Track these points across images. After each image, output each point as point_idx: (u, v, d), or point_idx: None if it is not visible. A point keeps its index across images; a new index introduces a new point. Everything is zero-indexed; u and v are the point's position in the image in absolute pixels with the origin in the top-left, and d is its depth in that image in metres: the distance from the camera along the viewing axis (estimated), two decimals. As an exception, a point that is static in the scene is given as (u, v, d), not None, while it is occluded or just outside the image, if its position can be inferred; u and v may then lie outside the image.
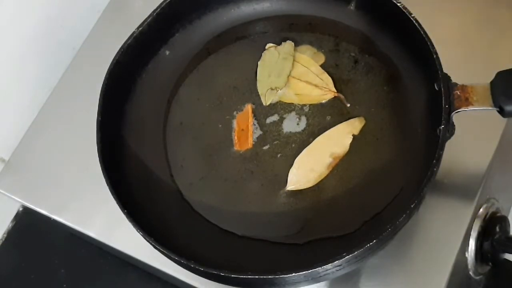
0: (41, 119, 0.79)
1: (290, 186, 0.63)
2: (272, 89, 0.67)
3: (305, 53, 0.69)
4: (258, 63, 0.69)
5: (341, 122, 0.65)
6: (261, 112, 0.68)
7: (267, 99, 0.67)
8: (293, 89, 0.68)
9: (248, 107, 0.68)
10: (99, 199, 0.66)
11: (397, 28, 0.64)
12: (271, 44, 0.69)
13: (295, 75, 0.68)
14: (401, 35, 0.64)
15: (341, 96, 0.66)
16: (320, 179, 0.63)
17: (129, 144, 0.67)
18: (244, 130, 0.67)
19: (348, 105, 0.66)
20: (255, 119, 0.67)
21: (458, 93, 0.57)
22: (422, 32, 0.59)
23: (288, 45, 0.69)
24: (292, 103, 0.67)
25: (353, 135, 0.64)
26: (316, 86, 0.67)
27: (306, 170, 0.63)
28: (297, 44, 0.70)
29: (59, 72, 0.80)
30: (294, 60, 0.68)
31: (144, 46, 0.68)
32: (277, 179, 0.64)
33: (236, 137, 0.67)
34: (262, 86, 0.68)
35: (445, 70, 0.58)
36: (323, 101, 0.67)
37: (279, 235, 0.62)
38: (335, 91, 0.66)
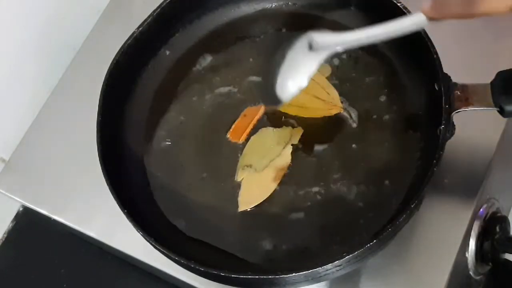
0: (41, 119, 0.79)
1: (242, 208, 0.63)
2: (247, 166, 0.65)
3: None
4: (251, 137, 0.66)
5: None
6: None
7: (239, 175, 0.64)
8: (298, 102, 0.64)
9: (262, 108, 0.67)
10: (99, 199, 0.65)
11: (397, 28, 0.64)
12: (270, 128, 0.67)
13: None
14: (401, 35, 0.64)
15: (347, 113, 0.65)
16: (268, 194, 0.63)
17: (129, 144, 0.67)
18: (245, 124, 0.67)
19: (354, 125, 0.64)
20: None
21: (458, 93, 0.57)
22: (422, 32, 0.59)
23: (287, 130, 0.66)
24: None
25: (293, 145, 0.65)
26: (322, 100, 0.66)
27: (254, 188, 0.63)
28: None
29: (59, 72, 0.80)
30: (287, 143, 0.65)
31: (144, 46, 0.68)
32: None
33: (234, 126, 0.67)
34: (243, 159, 0.65)
35: (445, 70, 0.58)
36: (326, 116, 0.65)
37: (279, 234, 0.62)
38: (341, 106, 0.66)
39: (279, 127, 0.66)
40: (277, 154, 0.65)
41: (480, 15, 0.45)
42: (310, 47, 0.52)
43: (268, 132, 0.66)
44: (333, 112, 0.65)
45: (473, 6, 0.44)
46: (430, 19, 0.48)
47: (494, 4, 0.44)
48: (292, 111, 0.66)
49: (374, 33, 0.50)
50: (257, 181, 0.64)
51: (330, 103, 0.66)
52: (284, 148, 0.65)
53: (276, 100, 0.55)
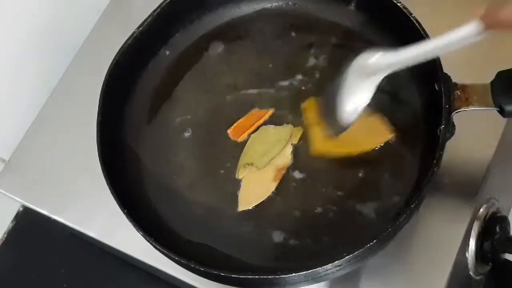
0: (41, 119, 0.79)
1: (242, 207, 0.63)
2: (248, 164, 0.64)
3: None
4: (252, 135, 0.66)
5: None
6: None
7: (239, 173, 0.64)
8: (345, 139, 0.60)
9: (269, 112, 0.67)
10: (99, 199, 0.65)
11: (397, 28, 0.64)
12: (270, 126, 0.66)
13: None
14: (401, 35, 0.64)
15: (395, 137, 0.63)
16: (268, 194, 0.63)
17: (129, 144, 0.67)
18: (248, 124, 0.67)
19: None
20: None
21: (458, 93, 0.57)
22: (422, 32, 0.59)
23: (288, 128, 0.66)
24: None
25: (293, 144, 0.65)
26: (368, 129, 0.63)
27: (254, 187, 0.63)
28: None
29: (59, 72, 0.80)
30: (287, 142, 0.65)
31: (144, 46, 0.68)
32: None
33: (236, 124, 0.67)
34: (243, 158, 0.65)
35: (445, 70, 0.58)
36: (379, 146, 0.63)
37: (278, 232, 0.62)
38: (391, 130, 0.63)
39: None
40: (277, 152, 0.65)
41: None
42: (364, 71, 0.53)
43: (269, 130, 0.66)
44: (383, 140, 0.63)
45: None
46: (486, 28, 0.46)
47: None
48: (342, 150, 0.63)
49: (427, 49, 0.50)
50: (257, 180, 0.64)
51: (377, 131, 0.63)
52: (284, 146, 0.65)
53: (340, 128, 0.57)
